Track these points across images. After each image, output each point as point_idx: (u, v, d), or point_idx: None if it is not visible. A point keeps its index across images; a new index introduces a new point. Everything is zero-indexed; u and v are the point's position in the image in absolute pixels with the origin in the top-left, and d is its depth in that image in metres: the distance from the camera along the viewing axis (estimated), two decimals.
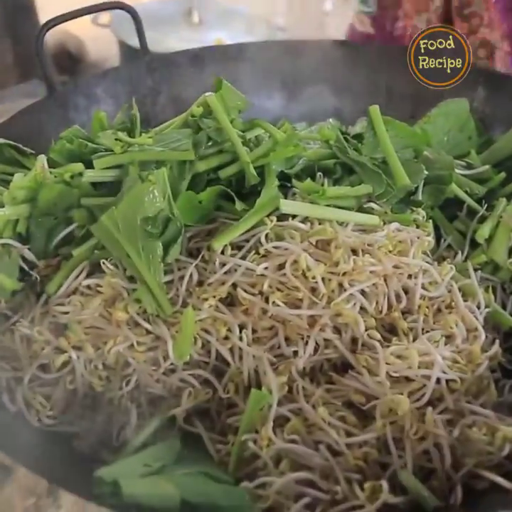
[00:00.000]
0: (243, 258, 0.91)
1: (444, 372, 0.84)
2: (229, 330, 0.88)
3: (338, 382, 0.87)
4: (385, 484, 0.75)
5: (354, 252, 0.91)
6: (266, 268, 0.89)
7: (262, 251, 0.90)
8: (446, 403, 0.83)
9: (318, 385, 0.87)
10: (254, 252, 0.91)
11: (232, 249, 0.92)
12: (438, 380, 0.84)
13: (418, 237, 0.97)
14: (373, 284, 0.89)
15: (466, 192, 1.10)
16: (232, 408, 0.88)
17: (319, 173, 1.01)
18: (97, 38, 2.19)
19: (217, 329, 0.88)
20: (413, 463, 0.79)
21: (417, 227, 1.00)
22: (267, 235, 0.91)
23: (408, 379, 0.85)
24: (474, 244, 1.05)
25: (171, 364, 0.88)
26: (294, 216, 0.93)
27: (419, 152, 1.05)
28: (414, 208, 1.02)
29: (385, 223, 0.97)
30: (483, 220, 1.06)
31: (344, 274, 0.88)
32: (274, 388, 0.83)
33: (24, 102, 1.29)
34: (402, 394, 0.82)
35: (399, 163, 0.99)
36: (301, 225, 0.92)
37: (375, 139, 1.01)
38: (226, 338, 0.88)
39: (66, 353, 0.89)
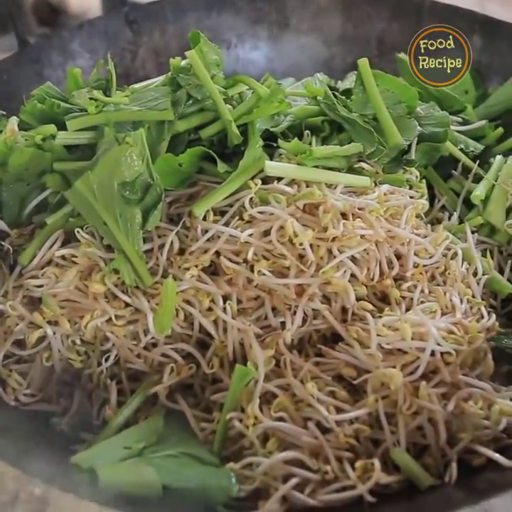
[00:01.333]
0: (226, 224, 0.85)
1: (439, 345, 0.80)
2: (212, 301, 0.84)
3: (327, 354, 0.82)
4: (377, 463, 0.72)
5: (344, 216, 0.86)
6: (250, 235, 0.83)
7: (246, 216, 0.84)
8: (441, 376, 0.79)
9: (306, 358, 0.83)
10: (238, 217, 0.85)
11: (215, 214, 0.86)
12: (432, 353, 0.79)
13: (412, 198, 0.92)
14: (364, 250, 0.85)
15: (461, 150, 1.04)
16: (217, 383, 0.84)
17: (307, 132, 0.96)
18: None
19: (199, 301, 0.83)
20: (406, 439, 0.76)
21: (410, 187, 0.94)
22: (251, 200, 0.85)
23: (401, 351, 0.80)
24: (469, 204, 1.00)
25: (152, 338, 0.84)
26: (279, 179, 0.87)
27: (411, 108, 0.98)
28: (407, 168, 0.96)
29: (376, 184, 0.91)
30: (478, 178, 1.00)
31: (333, 239, 0.83)
32: (260, 363, 0.79)
33: (0, 56, 1.22)
34: (394, 367, 0.78)
35: (390, 120, 0.94)
36: (288, 189, 0.86)
37: (364, 95, 0.95)
38: (209, 309, 0.84)
39: (41, 328, 0.84)
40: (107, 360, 0.84)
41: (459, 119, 1.12)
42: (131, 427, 0.79)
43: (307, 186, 0.87)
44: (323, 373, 0.81)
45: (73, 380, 0.88)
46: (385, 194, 0.90)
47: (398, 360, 0.79)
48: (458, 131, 1.07)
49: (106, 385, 0.84)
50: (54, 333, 0.84)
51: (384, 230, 0.85)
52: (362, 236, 0.84)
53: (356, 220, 0.85)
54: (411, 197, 0.92)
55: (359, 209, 0.86)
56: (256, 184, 0.85)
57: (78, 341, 0.85)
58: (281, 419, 0.76)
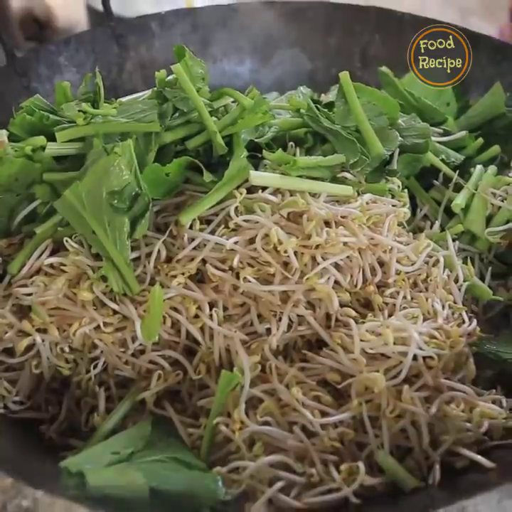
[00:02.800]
0: (212, 233, 0.87)
1: (421, 349, 0.81)
2: (199, 308, 0.85)
3: (312, 360, 0.84)
4: (361, 466, 0.73)
5: (327, 224, 0.88)
6: (236, 242, 0.85)
7: (231, 225, 0.86)
8: (423, 380, 0.80)
9: (292, 363, 0.84)
10: (223, 226, 0.87)
11: (201, 223, 0.87)
12: (415, 357, 0.81)
13: (394, 206, 0.94)
14: (347, 257, 0.86)
15: (442, 160, 1.06)
16: (204, 389, 0.85)
17: (291, 143, 0.97)
18: (66, 3, 2.11)
19: (186, 308, 0.84)
20: (390, 442, 0.77)
21: (393, 197, 0.96)
22: (236, 208, 0.87)
23: (384, 356, 0.82)
24: (450, 213, 1.02)
25: (140, 345, 0.85)
26: (264, 188, 0.89)
27: (393, 119, 1.01)
28: (389, 178, 0.98)
29: (359, 194, 0.93)
30: (459, 188, 1.03)
31: (317, 247, 0.85)
32: (246, 368, 0.80)
33: None
34: (378, 371, 0.79)
35: (372, 131, 0.95)
36: (272, 197, 0.88)
37: (346, 107, 0.96)
38: (196, 316, 0.85)
39: (30, 336, 0.84)
40: (95, 367, 0.85)
41: (440, 130, 1.14)
42: (120, 433, 0.80)
43: (291, 195, 0.88)
44: (308, 378, 0.82)
45: (62, 387, 0.89)
46: (367, 203, 0.92)
47: (381, 364, 0.80)
48: (439, 142, 1.10)
49: (94, 392, 0.85)
50: (43, 341, 0.85)
51: (366, 238, 0.87)
52: (345, 243, 0.86)
53: (339, 228, 0.87)
54: (393, 205, 0.94)
55: (342, 217, 0.88)
56: (241, 193, 0.86)
57: (67, 349, 0.85)
58: (267, 423, 0.78)
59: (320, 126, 0.96)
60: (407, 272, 0.91)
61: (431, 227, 1.01)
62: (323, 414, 0.78)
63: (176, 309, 0.85)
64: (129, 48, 1.33)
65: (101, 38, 1.30)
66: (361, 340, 0.81)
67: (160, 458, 0.75)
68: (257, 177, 0.87)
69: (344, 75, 0.96)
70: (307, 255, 0.84)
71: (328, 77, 1.31)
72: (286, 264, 0.85)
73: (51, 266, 0.87)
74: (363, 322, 0.84)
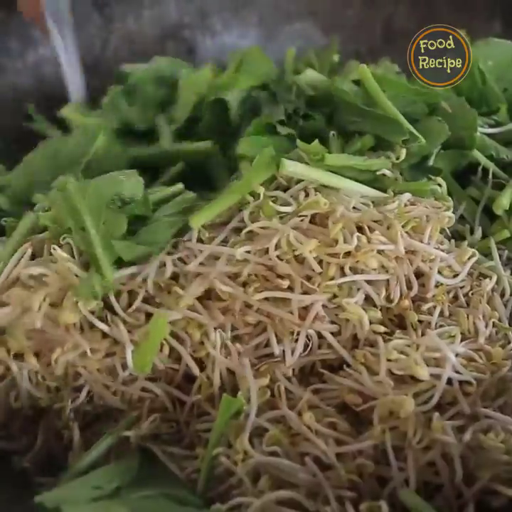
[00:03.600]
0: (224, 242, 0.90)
1: (458, 372, 0.83)
2: (205, 333, 0.86)
3: (329, 380, 0.86)
4: (384, 505, 0.74)
5: (359, 229, 0.88)
6: (248, 252, 0.87)
7: (243, 236, 0.88)
8: (459, 407, 0.82)
9: (306, 385, 0.86)
10: (235, 235, 0.90)
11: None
12: (450, 381, 0.83)
13: (438, 208, 0.95)
14: (382, 267, 0.88)
15: (490, 156, 1.07)
16: (204, 416, 0.87)
17: (333, 133, 1.00)
18: None
19: (189, 334, 0.86)
20: (417, 477, 0.78)
21: (435, 199, 0.98)
22: (251, 213, 0.89)
23: (415, 379, 0.83)
24: (491, 215, 1.03)
25: (131, 374, 0.86)
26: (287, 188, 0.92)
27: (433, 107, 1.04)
28: (432, 177, 1.00)
29: (395, 193, 0.95)
30: (501, 186, 1.04)
31: (346, 255, 0.86)
32: (253, 393, 0.82)
33: None
34: (406, 395, 0.80)
35: (404, 120, 0.98)
36: (291, 199, 0.90)
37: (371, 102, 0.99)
38: (200, 343, 0.86)
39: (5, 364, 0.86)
40: (75, 399, 0.86)
41: (492, 121, 1.14)
42: (103, 467, 0.81)
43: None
44: (323, 402, 0.84)
45: (39, 414, 0.90)
46: (405, 205, 0.93)
47: (411, 388, 0.82)
48: (488, 135, 1.10)
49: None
50: (20, 370, 0.85)
51: (404, 245, 0.88)
52: (380, 252, 0.87)
53: (374, 233, 0.88)
54: (437, 208, 0.95)
55: (376, 221, 0.89)
56: (258, 194, 0.89)
57: (48, 377, 0.86)
58: (274, 454, 0.79)
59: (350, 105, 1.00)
60: (448, 285, 0.92)
61: (470, 231, 1.02)
62: (340, 443, 0.80)
63: (176, 335, 0.86)
64: (115, 18, 1.35)
65: (82, 6, 1.32)
66: (388, 360, 0.83)
67: (149, 493, 0.77)
68: (290, 166, 0.89)
69: (363, 70, 1.00)
70: (334, 265, 0.85)
71: (346, 55, 1.32)
72: (309, 279, 0.86)
73: (31, 277, 0.88)
74: (390, 339, 0.85)
